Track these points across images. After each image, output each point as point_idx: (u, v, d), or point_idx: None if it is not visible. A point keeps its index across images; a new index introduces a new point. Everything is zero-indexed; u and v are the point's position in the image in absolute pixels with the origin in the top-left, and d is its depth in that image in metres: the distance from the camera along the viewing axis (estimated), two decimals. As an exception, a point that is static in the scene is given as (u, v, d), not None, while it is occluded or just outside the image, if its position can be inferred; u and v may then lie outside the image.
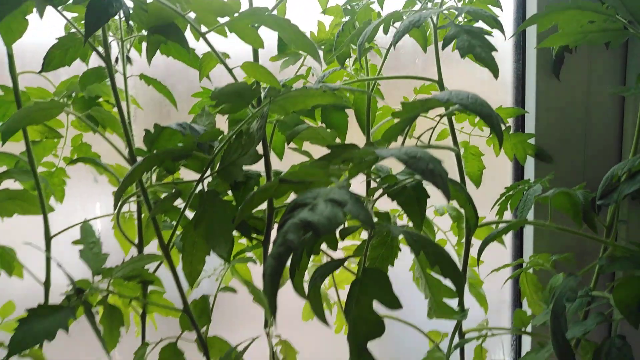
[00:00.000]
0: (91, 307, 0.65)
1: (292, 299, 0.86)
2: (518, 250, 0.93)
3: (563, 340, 0.46)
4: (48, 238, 0.73)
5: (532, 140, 0.84)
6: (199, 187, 0.62)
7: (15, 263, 0.76)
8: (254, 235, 0.72)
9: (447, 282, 0.66)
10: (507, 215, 0.76)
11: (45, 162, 0.84)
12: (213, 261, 0.76)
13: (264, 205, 0.70)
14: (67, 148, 0.83)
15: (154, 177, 0.72)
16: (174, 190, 0.65)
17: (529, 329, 0.73)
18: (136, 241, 0.75)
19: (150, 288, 0.76)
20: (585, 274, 0.61)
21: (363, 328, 0.44)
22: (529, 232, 0.90)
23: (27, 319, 0.58)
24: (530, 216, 0.87)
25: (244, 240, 0.81)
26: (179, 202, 0.70)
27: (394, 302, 0.44)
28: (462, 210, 0.75)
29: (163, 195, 0.66)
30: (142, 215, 0.75)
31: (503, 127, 0.79)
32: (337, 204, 0.33)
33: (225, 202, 0.59)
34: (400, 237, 0.62)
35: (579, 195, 0.62)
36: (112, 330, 0.70)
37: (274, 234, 0.73)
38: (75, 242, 0.70)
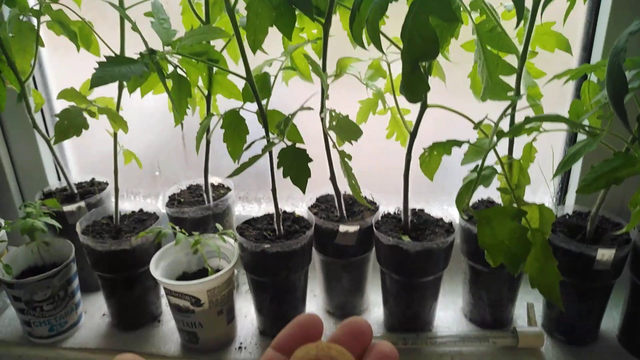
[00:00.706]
0: (163, 71, 0.70)
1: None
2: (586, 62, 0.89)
3: (619, 75, 0.46)
4: (123, 7, 0.76)
5: None
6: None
7: (93, 38, 0.81)
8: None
9: (506, 58, 0.66)
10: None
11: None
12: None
13: None
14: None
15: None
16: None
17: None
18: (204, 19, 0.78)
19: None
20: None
21: (418, 43, 0.46)
22: (599, 38, 0.85)
23: (105, 63, 0.63)
24: (604, 18, 0.83)
25: (304, 35, 0.83)
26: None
27: (451, 15, 0.45)
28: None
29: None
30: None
31: None
32: None
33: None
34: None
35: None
36: (180, 100, 0.75)
37: (334, 19, 0.74)
38: (147, 14, 0.74)
